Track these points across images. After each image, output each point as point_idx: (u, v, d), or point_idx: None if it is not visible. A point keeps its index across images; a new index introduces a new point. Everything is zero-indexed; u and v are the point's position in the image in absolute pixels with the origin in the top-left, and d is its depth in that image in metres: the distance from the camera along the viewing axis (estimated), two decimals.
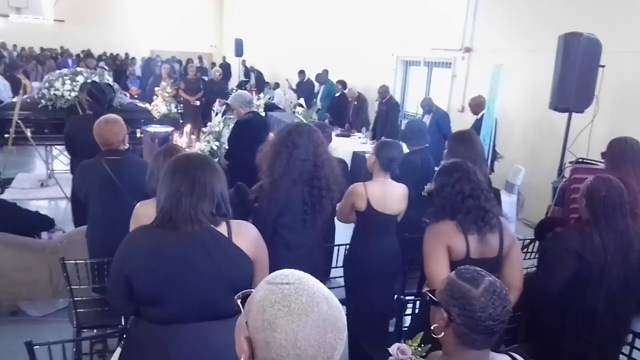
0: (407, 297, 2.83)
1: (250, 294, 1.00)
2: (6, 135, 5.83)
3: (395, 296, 3.12)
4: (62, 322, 3.49)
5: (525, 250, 3.67)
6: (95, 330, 2.85)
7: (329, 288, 2.97)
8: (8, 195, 5.97)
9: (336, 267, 3.45)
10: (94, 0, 18.79)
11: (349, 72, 10.66)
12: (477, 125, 5.94)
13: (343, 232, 3.69)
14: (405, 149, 3.93)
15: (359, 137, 8.23)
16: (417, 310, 2.63)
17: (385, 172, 3.04)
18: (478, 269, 1.45)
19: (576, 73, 4.21)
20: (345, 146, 7.46)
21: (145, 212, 2.11)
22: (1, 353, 3.20)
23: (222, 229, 1.76)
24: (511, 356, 1.48)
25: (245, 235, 1.80)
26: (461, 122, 6.93)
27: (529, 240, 3.78)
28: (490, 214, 2.23)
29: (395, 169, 3.06)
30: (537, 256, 3.13)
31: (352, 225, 3.26)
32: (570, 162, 4.05)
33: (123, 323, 2.49)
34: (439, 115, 7.10)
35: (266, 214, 2.57)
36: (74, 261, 2.82)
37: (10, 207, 3.66)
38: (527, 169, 6.00)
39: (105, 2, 19.06)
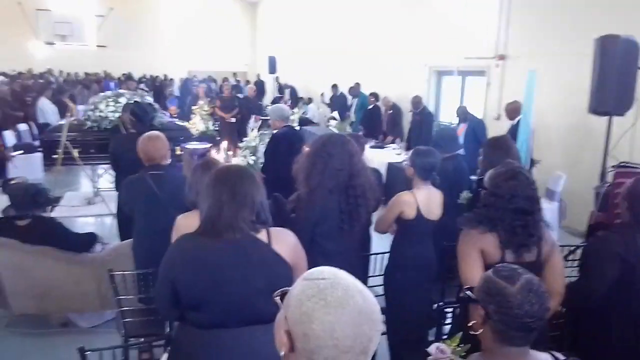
0: (446, 306, 2.82)
1: (288, 291, 1.05)
2: (55, 156, 6.12)
3: (435, 305, 3.12)
4: (110, 332, 3.63)
5: (568, 258, 3.58)
6: (142, 339, 2.95)
7: None
8: (57, 213, 6.24)
9: (373, 276, 3.46)
10: (133, 26, 19.56)
11: (381, 84, 10.70)
12: (514, 132, 5.85)
13: (379, 241, 3.71)
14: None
15: (394, 148, 8.23)
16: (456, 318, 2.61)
17: (425, 181, 3.04)
18: (515, 266, 1.46)
19: (615, 76, 4.12)
20: (379, 157, 7.47)
21: (185, 224, 2.19)
22: None
23: (262, 236, 1.82)
24: (553, 355, 1.47)
25: (285, 242, 1.86)
26: (497, 129, 6.84)
27: (574, 247, 3.68)
28: (535, 238, 2.15)
29: (436, 177, 3.06)
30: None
31: (389, 235, 3.27)
32: (613, 167, 3.95)
33: (168, 330, 2.58)
34: (474, 124, 7.04)
35: (304, 223, 2.62)
36: (121, 272, 2.94)
37: (57, 227, 3.82)
38: (567, 175, 5.86)
39: (143, 27, 19.82)
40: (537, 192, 2.23)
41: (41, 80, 14.06)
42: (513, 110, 6.32)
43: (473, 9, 8.59)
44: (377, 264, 3.43)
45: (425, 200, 3.00)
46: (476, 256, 2.17)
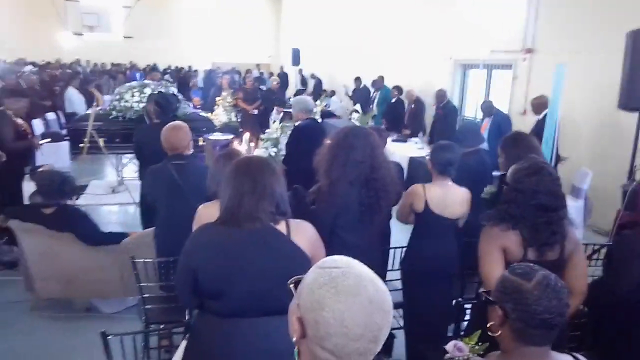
0: (466, 302, 2.79)
1: (302, 279, 1.07)
2: (81, 145, 6.24)
3: (454, 301, 3.09)
4: (132, 318, 3.71)
5: (592, 257, 3.51)
6: (162, 326, 3.00)
7: None
8: (82, 201, 6.38)
9: (392, 270, 3.45)
10: (159, 18, 19.77)
11: (405, 77, 10.61)
12: (540, 127, 5.74)
13: (399, 236, 3.69)
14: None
15: (416, 142, 8.16)
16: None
17: (442, 175, 3.02)
18: (531, 264, 1.43)
19: None
20: (402, 151, 7.42)
21: (206, 214, 2.21)
22: (77, 345, 3.43)
23: (282, 227, 1.83)
24: (574, 356, 1.44)
25: (304, 234, 1.87)
26: (523, 124, 6.72)
27: (598, 247, 3.61)
28: (558, 236, 2.10)
29: (452, 172, 3.03)
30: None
31: (409, 229, 3.26)
32: None
33: (188, 318, 2.61)
34: (499, 118, 6.93)
35: (324, 215, 2.62)
36: (142, 260, 2.99)
37: (81, 218, 3.89)
38: (594, 172, 5.73)
39: (169, 19, 20.01)
40: (562, 189, 2.17)
41: (69, 71, 14.31)
42: (539, 105, 6.20)
43: (500, 1, 8.43)
44: (396, 258, 3.41)
45: (438, 195, 2.97)
46: (497, 254, 2.14)
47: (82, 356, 3.29)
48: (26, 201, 4.63)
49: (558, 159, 5.96)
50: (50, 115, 9.66)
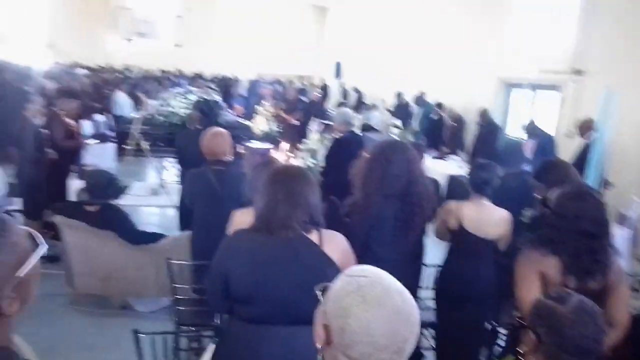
0: (500, 327, 2.70)
1: (329, 286, 1.07)
2: (126, 147, 6.45)
3: (488, 325, 3.00)
4: (164, 319, 3.77)
5: (637, 289, 3.35)
6: (192, 328, 3.03)
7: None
8: (124, 201, 6.52)
9: (425, 288, 3.38)
10: (207, 28, 20.31)
11: (447, 94, 10.49)
12: (586, 150, 5.56)
13: (435, 253, 3.62)
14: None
15: (455, 161, 8.04)
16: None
17: (478, 194, 2.96)
18: (567, 289, 1.38)
19: None
20: (441, 169, 7.33)
21: (241, 220, 2.24)
22: (110, 341, 3.52)
23: (314, 236, 1.83)
24: None
25: (336, 245, 1.86)
26: (569, 147, 6.51)
27: None
28: (601, 265, 2.01)
29: (488, 191, 2.96)
30: None
31: (445, 247, 3.20)
32: None
33: (218, 322, 2.64)
34: (543, 140, 6.73)
35: (357, 228, 2.61)
36: (177, 262, 3.05)
37: (123, 218, 4.01)
38: None
39: (217, 29, 20.53)
40: (607, 216, 2.09)
41: (119, 75, 14.86)
42: (586, 128, 6.00)
43: (550, 19, 8.25)
44: (430, 276, 3.34)
45: (473, 214, 2.91)
46: (535, 279, 2.07)
47: (114, 352, 3.37)
48: (72, 198, 4.81)
49: (605, 184, 5.74)
50: (99, 117, 10.03)
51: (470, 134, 8.91)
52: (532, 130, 6.91)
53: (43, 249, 1.03)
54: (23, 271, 0.99)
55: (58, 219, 3.90)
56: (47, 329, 3.68)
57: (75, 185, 4.70)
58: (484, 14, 9.79)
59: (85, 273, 3.91)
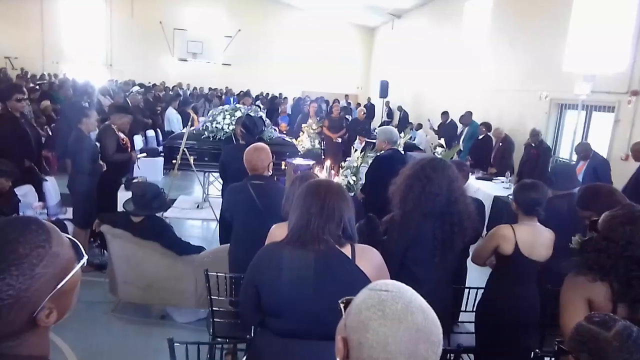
0: (545, 355, 2.57)
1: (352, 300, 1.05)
2: (174, 161, 6.63)
3: (532, 352, 2.86)
4: (201, 330, 3.82)
5: None
6: (227, 340, 3.04)
7: (456, 333, 2.84)
8: (170, 213, 6.73)
9: (465, 311, 3.27)
10: (255, 47, 20.86)
11: (494, 114, 10.27)
12: None
13: (477, 276, 3.51)
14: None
15: (502, 182, 7.81)
16: None
17: (529, 216, 2.84)
18: (611, 314, 1.29)
19: None
20: (486, 189, 7.14)
21: (278, 234, 2.23)
22: (148, 350, 3.58)
23: (347, 250, 1.81)
24: None
25: (369, 260, 1.83)
26: (624, 171, 6.21)
27: None
28: None
29: (540, 212, 2.84)
30: None
31: (487, 269, 3.09)
32: None
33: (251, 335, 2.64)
34: (597, 162, 6.46)
35: (394, 246, 2.56)
36: (215, 273, 3.08)
37: (166, 229, 4.10)
38: None
39: (264, 47, 21.03)
40: None
41: (171, 93, 15.41)
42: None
43: (603, 38, 7.95)
44: (471, 299, 3.23)
45: (526, 237, 2.79)
46: (581, 305, 1.96)
47: None
48: (120, 209, 4.98)
49: None
50: (150, 133, 10.43)
51: (519, 155, 8.64)
52: (584, 152, 6.65)
53: (84, 260, 1.02)
54: (63, 282, 0.97)
55: (105, 228, 4.04)
56: (90, 336, 3.79)
57: (123, 197, 4.86)
58: (536, 31, 9.56)
59: (128, 282, 4.02)
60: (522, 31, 10.03)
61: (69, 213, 5.18)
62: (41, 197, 5.29)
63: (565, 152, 9.09)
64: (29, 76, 17.35)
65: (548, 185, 3.93)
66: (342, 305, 1.08)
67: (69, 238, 1.03)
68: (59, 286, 0.96)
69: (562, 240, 2.88)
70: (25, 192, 4.91)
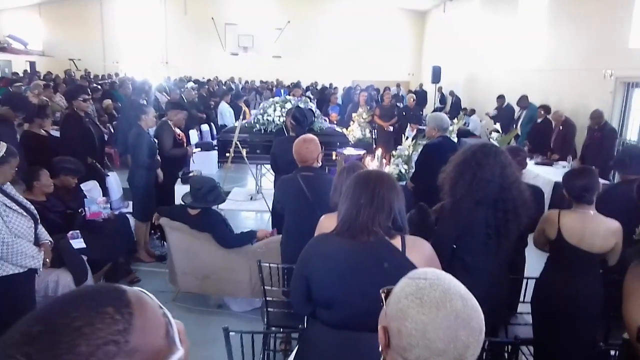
0: (610, 348, 2.44)
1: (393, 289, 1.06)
2: (227, 154, 6.78)
3: (595, 345, 2.73)
4: (256, 319, 3.90)
5: None
6: (281, 329, 3.10)
7: (515, 324, 2.76)
8: (224, 205, 6.90)
9: (524, 302, 3.16)
10: (305, 38, 20.94)
11: (554, 96, 9.80)
12: None
13: (535, 265, 3.38)
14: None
15: (564, 167, 7.45)
16: None
17: (580, 203, 2.71)
18: None
19: None
20: (546, 175, 6.86)
21: (327, 225, 2.24)
22: (207, 338, 3.70)
23: (397, 242, 1.79)
24: None
25: (420, 251, 1.80)
26: None
27: None
28: None
29: (589, 199, 2.69)
30: None
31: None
32: None
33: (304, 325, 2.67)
34: None
35: (446, 235, 2.51)
36: (268, 264, 3.14)
37: (219, 223, 4.21)
38: None
39: (313, 38, 21.09)
40: None
41: (224, 87, 15.74)
42: None
43: None
44: (529, 290, 3.12)
45: (573, 224, 2.67)
46: None
47: (210, 349, 3.54)
48: (177, 202, 5.16)
49: None
50: (205, 127, 10.71)
51: (581, 138, 8.22)
52: None
53: (179, 355, 0.71)
54: None
55: (163, 221, 4.20)
56: None
57: (181, 190, 5.03)
58: (599, 7, 9.01)
59: (186, 272, 4.17)
60: (584, 7, 9.49)
61: (131, 207, 5.41)
62: (105, 192, 5.56)
63: (633, 134, 8.57)
64: (91, 76, 18.25)
65: (621, 169, 3.73)
66: (383, 295, 1.09)
67: (162, 319, 0.73)
68: None
69: (629, 227, 2.72)
70: (90, 188, 5.17)
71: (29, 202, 3.11)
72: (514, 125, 10.06)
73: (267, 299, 3.19)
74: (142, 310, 0.68)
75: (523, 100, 10.01)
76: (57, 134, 5.86)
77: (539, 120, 9.07)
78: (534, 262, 3.39)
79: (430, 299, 0.95)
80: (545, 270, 2.89)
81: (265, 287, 3.16)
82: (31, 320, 0.62)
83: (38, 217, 3.12)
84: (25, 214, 2.97)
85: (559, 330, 2.71)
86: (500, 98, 11.31)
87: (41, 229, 3.17)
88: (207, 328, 3.87)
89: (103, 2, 21.29)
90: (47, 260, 3.09)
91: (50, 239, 3.23)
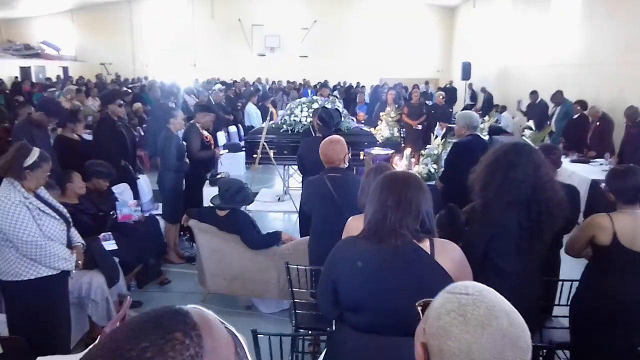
0: None
1: (430, 302, 0.99)
2: (254, 156, 6.82)
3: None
4: (284, 321, 3.90)
5: None
6: (309, 332, 3.08)
7: (550, 328, 2.65)
8: (252, 206, 6.94)
9: (559, 305, 3.05)
10: (331, 37, 20.88)
11: (590, 91, 9.49)
12: None
13: (570, 267, 3.27)
14: None
15: (601, 164, 7.20)
16: None
17: (630, 205, 2.58)
18: None
19: None
20: (582, 173, 6.64)
21: (355, 226, 2.21)
22: None
23: (425, 245, 1.74)
24: None
25: (449, 255, 1.75)
26: None
27: None
28: None
29: None
30: None
31: (582, 260, 2.86)
32: None
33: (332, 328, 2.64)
34: None
35: (477, 236, 2.44)
36: (295, 266, 3.12)
37: (246, 224, 4.21)
38: None
39: (340, 37, 21.01)
40: None
41: (251, 88, 15.85)
42: None
43: None
44: (565, 292, 3.01)
45: (628, 226, 2.53)
46: None
47: None
48: (207, 204, 5.20)
49: None
50: (232, 129, 10.80)
51: (620, 134, 7.93)
52: None
53: None
54: None
55: (192, 223, 4.24)
56: None
57: (209, 192, 5.07)
58: None
59: (215, 273, 4.19)
60: None
61: (160, 209, 5.48)
62: (136, 194, 5.65)
63: None
64: (122, 80, 18.64)
65: None
66: (419, 308, 1.03)
67: (230, 332, 0.70)
68: None
69: None
70: (122, 191, 5.26)
71: (61, 206, 3.17)
72: (548, 122, 9.79)
73: (295, 300, 3.18)
74: (209, 330, 0.64)
75: (557, 96, 9.72)
76: (89, 137, 5.99)
77: (575, 116, 8.80)
78: (569, 263, 3.27)
79: (475, 316, 0.89)
80: (590, 276, 2.74)
81: (293, 288, 3.15)
82: (95, 354, 0.58)
83: (70, 220, 3.18)
84: (58, 217, 3.03)
85: (602, 335, 2.60)
86: (534, 94, 11.03)
87: (73, 232, 3.23)
88: (236, 329, 3.87)
89: (133, 7, 21.73)
90: (80, 262, 3.14)
91: (83, 242, 3.29)
